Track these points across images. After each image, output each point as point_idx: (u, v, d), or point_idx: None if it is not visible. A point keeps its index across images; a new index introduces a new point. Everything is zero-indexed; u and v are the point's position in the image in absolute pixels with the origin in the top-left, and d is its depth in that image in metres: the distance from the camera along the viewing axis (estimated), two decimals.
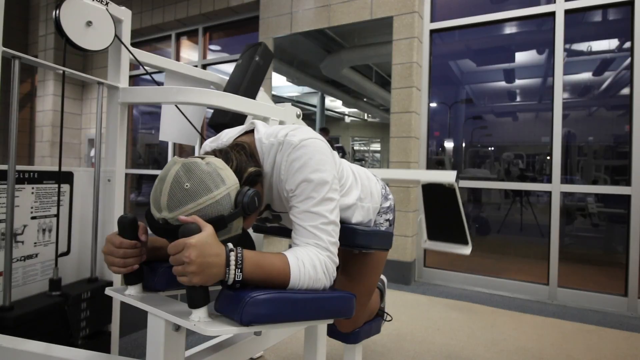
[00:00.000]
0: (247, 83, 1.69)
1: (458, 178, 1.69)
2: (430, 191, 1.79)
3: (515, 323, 2.23)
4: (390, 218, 1.26)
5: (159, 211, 0.74)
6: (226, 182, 0.76)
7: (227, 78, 1.83)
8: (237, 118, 1.64)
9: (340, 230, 0.89)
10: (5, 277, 1.10)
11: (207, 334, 0.70)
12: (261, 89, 1.84)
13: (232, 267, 0.71)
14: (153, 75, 1.51)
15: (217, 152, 0.84)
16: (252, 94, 1.71)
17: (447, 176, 1.71)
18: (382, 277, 1.56)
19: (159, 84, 1.64)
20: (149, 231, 0.84)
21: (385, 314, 1.48)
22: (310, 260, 0.81)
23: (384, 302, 1.52)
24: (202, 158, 0.77)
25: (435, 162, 3.28)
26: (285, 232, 1.17)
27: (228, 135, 1.01)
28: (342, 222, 0.96)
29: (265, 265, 0.76)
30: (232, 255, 0.72)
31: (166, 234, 0.74)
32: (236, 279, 0.72)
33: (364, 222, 1.17)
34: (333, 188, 0.87)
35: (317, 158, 0.85)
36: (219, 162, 0.77)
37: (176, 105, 1.63)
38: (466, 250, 1.78)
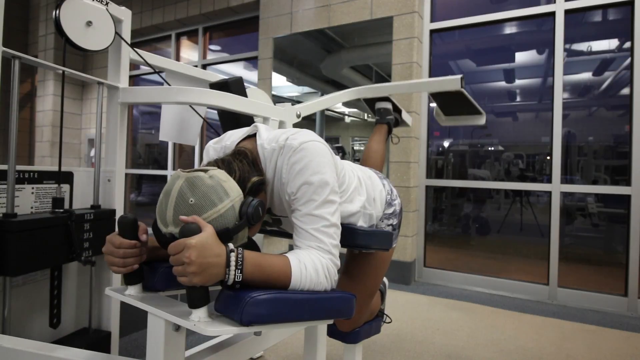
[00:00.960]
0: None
1: (463, 82, 1.74)
2: (439, 94, 1.88)
3: (515, 323, 2.23)
4: (394, 223, 1.26)
5: (165, 226, 0.75)
6: (230, 195, 0.76)
7: (227, 78, 1.82)
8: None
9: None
10: (8, 185, 1.10)
11: (207, 334, 0.70)
12: (261, 89, 1.84)
13: (232, 267, 0.71)
14: (153, 76, 1.51)
15: (219, 163, 0.84)
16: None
17: (453, 83, 1.77)
18: (384, 279, 1.56)
19: (168, 83, 1.64)
20: (149, 231, 0.84)
21: (385, 316, 1.48)
22: (313, 264, 0.81)
23: (384, 304, 1.52)
24: (205, 171, 0.77)
25: (435, 162, 3.28)
26: (285, 234, 1.17)
27: (231, 139, 1.00)
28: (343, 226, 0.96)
29: (265, 267, 0.76)
30: (233, 255, 0.72)
31: None
32: (236, 279, 0.72)
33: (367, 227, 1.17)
34: (334, 190, 0.87)
35: (317, 160, 0.85)
36: (222, 175, 0.77)
37: (191, 106, 1.62)
38: (481, 119, 1.87)
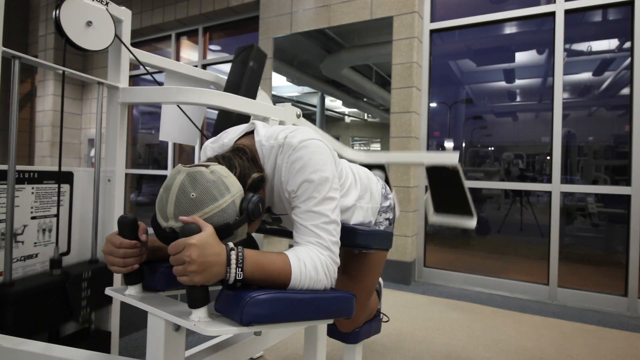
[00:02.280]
0: (244, 92, 1.68)
1: (460, 159, 1.71)
2: (435, 172, 1.83)
3: (515, 323, 2.23)
4: (390, 217, 1.27)
5: (165, 220, 0.74)
6: (231, 190, 0.76)
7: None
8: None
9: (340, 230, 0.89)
10: (6, 252, 1.10)
11: (207, 334, 0.70)
12: (261, 89, 1.84)
13: (233, 266, 0.72)
14: (153, 75, 1.51)
15: (220, 159, 0.84)
16: (251, 98, 1.70)
17: (449, 158, 1.73)
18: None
19: (160, 83, 1.64)
20: (149, 231, 0.84)
21: (382, 315, 1.48)
22: (312, 261, 0.81)
23: (380, 303, 1.52)
24: (207, 166, 0.77)
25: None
26: (285, 233, 1.18)
27: (229, 137, 1.00)
28: (342, 223, 0.96)
29: (266, 265, 0.76)
30: (233, 254, 0.72)
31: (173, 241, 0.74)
32: (237, 277, 0.72)
33: (365, 222, 1.17)
34: (334, 187, 0.88)
35: (317, 158, 0.86)
36: (223, 170, 0.78)
37: (178, 105, 1.63)
38: (472, 223, 1.80)
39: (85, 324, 1.25)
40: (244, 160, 0.86)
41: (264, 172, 0.90)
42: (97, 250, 1.40)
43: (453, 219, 1.86)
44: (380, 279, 1.59)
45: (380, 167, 1.93)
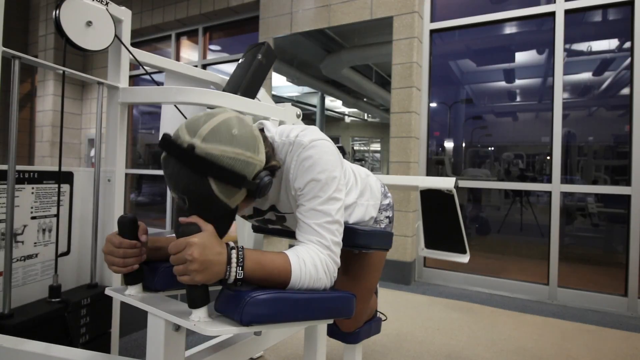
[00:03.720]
0: (247, 82, 1.68)
1: (457, 184, 1.69)
2: (429, 197, 1.79)
3: (515, 323, 2.23)
4: (390, 215, 1.28)
5: (191, 136, 0.72)
6: (259, 155, 0.79)
7: (227, 78, 1.83)
8: None
9: None
10: (5, 283, 1.10)
11: (207, 334, 0.70)
12: (262, 88, 1.84)
13: (234, 265, 0.72)
14: (153, 76, 1.51)
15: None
16: (252, 94, 1.71)
17: (446, 182, 1.71)
18: None
19: (159, 84, 1.64)
20: (149, 231, 0.84)
21: (379, 313, 1.49)
22: (312, 260, 0.81)
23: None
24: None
25: (435, 162, 3.28)
26: (287, 233, 1.18)
27: None
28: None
29: (266, 264, 0.76)
30: (234, 253, 0.72)
31: (179, 160, 0.71)
32: (237, 277, 0.73)
33: (364, 220, 1.18)
34: (339, 188, 0.89)
35: (325, 158, 0.87)
36: (261, 138, 0.81)
37: (175, 106, 1.63)
38: (464, 259, 1.78)
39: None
40: (267, 145, 0.87)
41: (279, 164, 0.90)
42: (97, 274, 1.39)
43: (444, 254, 1.82)
44: None
45: None
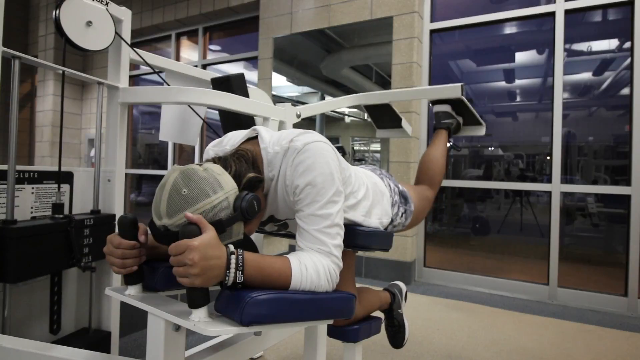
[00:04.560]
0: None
1: (464, 90, 1.73)
2: (439, 102, 1.89)
3: (515, 323, 2.23)
4: (403, 211, 1.26)
5: (159, 218, 0.74)
6: (224, 187, 0.76)
7: (229, 75, 1.82)
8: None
9: None
10: (8, 194, 1.10)
11: (207, 334, 0.70)
12: (261, 89, 1.84)
13: (233, 269, 0.72)
14: (154, 76, 1.51)
15: (216, 159, 0.84)
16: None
17: (453, 91, 1.75)
18: (400, 283, 1.57)
19: (167, 83, 1.64)
20: (149, 231, 0.84)
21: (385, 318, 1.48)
22: (314, 265, 0.81)
23: (395, 304, 1.51)
24: (200, 165, 0.77)
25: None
26: (292, 235, 1.17)
27: (231, 142, 1.00)
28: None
29: (266, 268, 0.76)
30: (233, 258, 0.72)
31: (168, 241, 0.74)
32: (237, 280, 0.73)
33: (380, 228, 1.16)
34: (338, 191, 0.88)
35: (321, 161, 0.86)
36: (216, 168, 0.78)
37: (190, 106, 1.62)
38: (481, 130, 1.89)
39: (87, 269, 1.25)
40: (241, 161, 0.85)
41: (262, 175, 0.89)
42: (99, 201, 1.40)
43: (466, 129, 1.93)
44: (401, 283, 1.57)
45: (444, 102, 1.87)
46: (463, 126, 1.91)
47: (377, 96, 2.00)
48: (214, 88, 1.68)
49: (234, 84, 1.55)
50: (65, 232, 1.20)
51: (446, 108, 1.84)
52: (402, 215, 1.26)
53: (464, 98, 1.76)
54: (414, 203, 1.32)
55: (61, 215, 1.23)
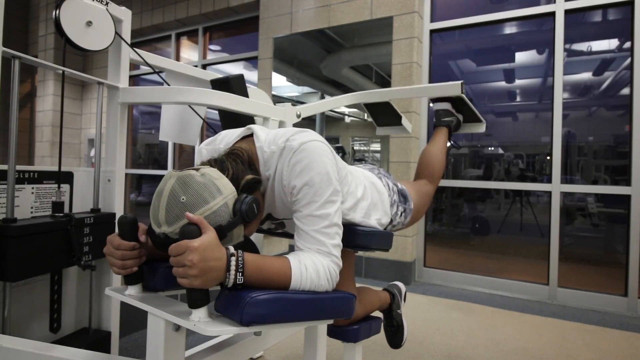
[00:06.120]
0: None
1: (464, 87, 1.74)
2: (439, 100, 1.90)
3: (515, 323, 2.23)
4: (402, 211, 1.26)
5: (158, 226, 0.74)
6: (223, 192, 0.75)
7: (228, 76, 1.82)
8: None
9: None
10: (8, 194, 1.10)
11: (207, 334, 0.70)
12: (261, 89, 1.84)
13: (232, 271, 0.72)
14: (153, 76, 1.51)
15: (212, 162, 0.83)
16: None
17: (453, 89, 1.76)
18: (399, 283, 1.57)
19: (167, 83, 1.64)
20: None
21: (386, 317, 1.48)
22: (314, 265, 0.81)
23: (395, 305, 1.51)
24: (197, 170, 0.76)
25: None
26: (289, 234, 1.17)
27: (224, 141, 0.99)
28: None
29: (266, 269, 0.76)
30: (233, 260, 0.72)
31: (168, 248, 0.74)
32: (237, 282, 0.72)
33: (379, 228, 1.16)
34: (335, 190, 0.87)
35: (318, 160, 0.85)
36: (214, 172, 0.77)
37: (189, 106, 1.62)
38: (482, 127, 1.90)
39: (87, 268, 1.25)
40: (237, 163, 0.84)
41: (259, 175, 0.89)
42: (99, 201, 1.40)
43: (465, 126, 1.93)
44: (400, 284, 1.58)
45: (444, 100, 1.87)
46: (463, 123, 1.93)
47: (377, 94, 2.00)
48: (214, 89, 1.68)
49: (233, 85, 1.55)
50: (66, 231, 1.20)
51: (446, 106, 1.84)
52: (401, 215, 1.26)
53: (464, 96, 1.76)
54: (413, 200, 1.32)
55: (61, 214, 1.23)
